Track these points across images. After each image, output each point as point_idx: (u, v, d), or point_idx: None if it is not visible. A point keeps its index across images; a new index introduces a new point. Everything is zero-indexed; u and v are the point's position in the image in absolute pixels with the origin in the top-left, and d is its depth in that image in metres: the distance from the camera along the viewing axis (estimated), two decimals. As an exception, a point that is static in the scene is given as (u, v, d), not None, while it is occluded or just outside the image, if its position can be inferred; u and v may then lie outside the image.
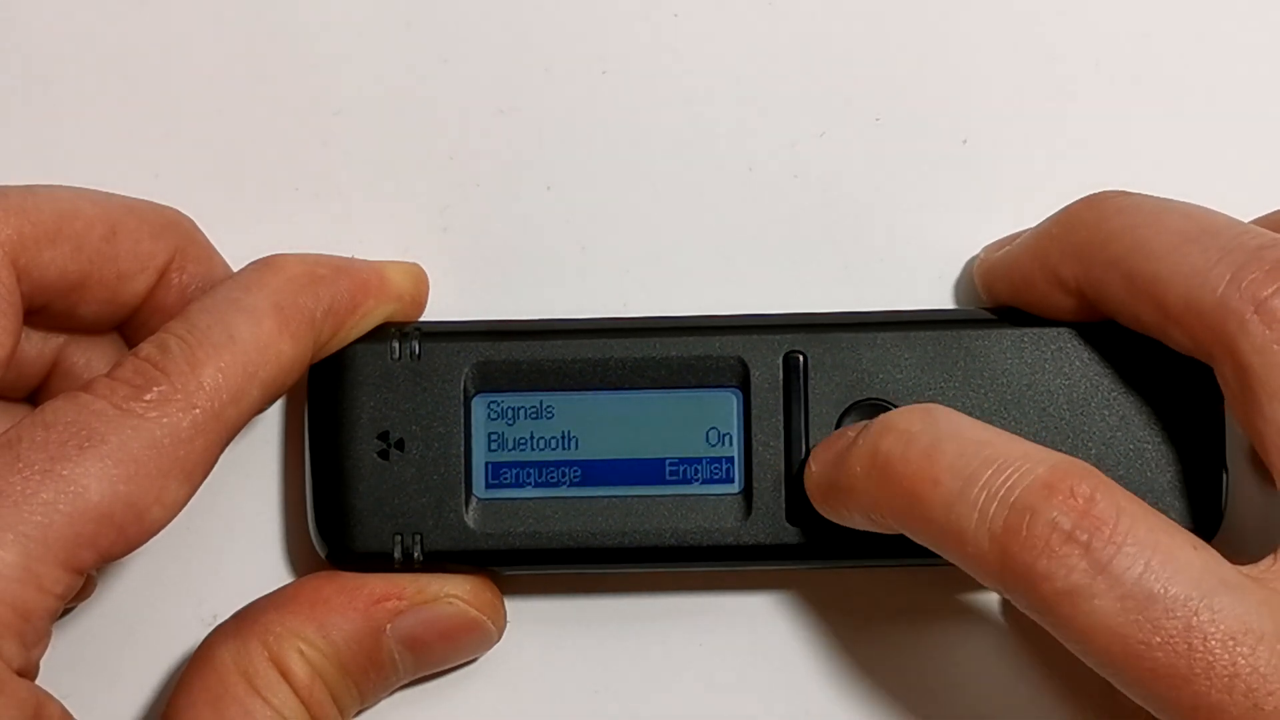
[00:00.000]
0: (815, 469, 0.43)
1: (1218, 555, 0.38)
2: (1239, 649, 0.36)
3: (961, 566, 0.39)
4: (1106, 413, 0.44)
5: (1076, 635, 0.38)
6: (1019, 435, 0.43)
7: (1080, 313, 0.43)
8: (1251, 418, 0.39)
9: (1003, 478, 0.39)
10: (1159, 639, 0.37)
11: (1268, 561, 0.39)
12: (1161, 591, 0.37)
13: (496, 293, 0.47)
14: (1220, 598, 0.37)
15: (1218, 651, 0.37)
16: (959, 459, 0.39)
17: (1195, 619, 0.37)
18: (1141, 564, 0.37)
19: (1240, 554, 0.39)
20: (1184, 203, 0.42)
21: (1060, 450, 0.43)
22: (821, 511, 0.43)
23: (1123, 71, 0.47)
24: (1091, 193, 0.43)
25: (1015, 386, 0.44)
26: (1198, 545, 0.38)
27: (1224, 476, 0.43)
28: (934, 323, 0.44)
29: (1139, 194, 0.43)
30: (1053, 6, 0.47)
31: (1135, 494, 0.43)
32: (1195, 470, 0.43)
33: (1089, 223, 0.42)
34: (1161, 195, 0.42)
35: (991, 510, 0.38)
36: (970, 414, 0.43)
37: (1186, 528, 0.43)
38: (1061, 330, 0.44)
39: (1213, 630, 0.37)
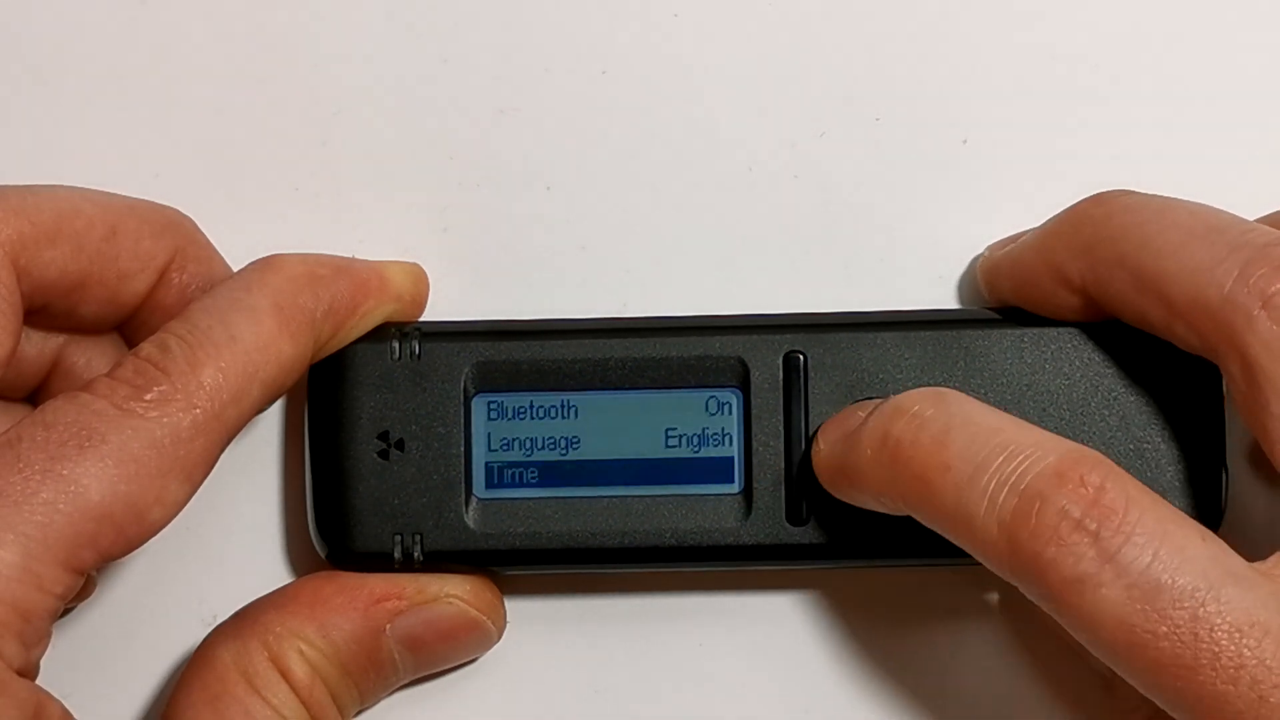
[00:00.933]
0: (824, 448, 0.43)
1: (1226, 547, 0.38)
2: (1245, 641, 0.36)
3: (969, 552, 0.39)
4: (1106, 412, 0.44)
5: (1083, 624, 0.38)
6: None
7: (1084, 311, 0.43)
8: (1258, 414, 0.39)
9: (1014, 465, 0.38)
10: (1165, 629, 0.37)
11: (1275, 558, 0.38)
12: (1169, 582, 0.37)
13: (496, 293, 0.47)
14: (1228, 589, 0.37)
15: (1224, 643, 0.36)
16: (970, 445, 0.39)
17: (1202, 610, 0.37)
18: (1150, 554, 0.37)
19: (1240, 553, 0.39)
20: (1190, 201, 0.42)
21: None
22: (828, 489, 0.43)
23: (1123, 71, 0.47)
24: (1098, 191, 0.43)
25: (1015, 386, 0.44)
26: (1206, 537, 0.38)
27: (1224, 476, 0.43)
28: (934, 323, 0.44)
29: (1145, 193, 0.43)
30: (1053, 6, 0.47)
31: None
32: (1195, 470, 0.43)
33: (1095, 220, 0.42)
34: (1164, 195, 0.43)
35: (1001, 497, 0.38)
36: (971, 413, 0.44)
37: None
38: (1061, 330, 0.44)
39: (1219, 622, 0.37)
